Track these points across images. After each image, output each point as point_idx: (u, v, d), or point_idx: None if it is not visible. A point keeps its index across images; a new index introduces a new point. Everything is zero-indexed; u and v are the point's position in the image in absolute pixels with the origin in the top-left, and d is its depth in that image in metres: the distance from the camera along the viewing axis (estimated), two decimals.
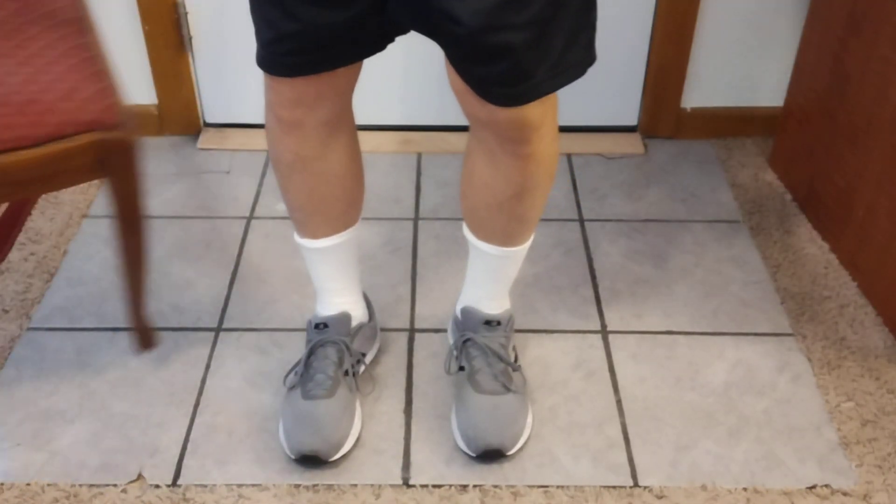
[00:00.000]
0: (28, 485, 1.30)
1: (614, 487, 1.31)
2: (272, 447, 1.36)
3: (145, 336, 1.47)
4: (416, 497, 1.29)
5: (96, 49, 1.24)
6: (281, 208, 1.81)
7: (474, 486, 1.30)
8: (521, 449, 1.34)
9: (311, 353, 1.36)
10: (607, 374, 1.48)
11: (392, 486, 1.31)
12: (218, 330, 1.55)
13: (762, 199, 1.85)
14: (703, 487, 1.31)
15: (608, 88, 1.98)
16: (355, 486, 1.30)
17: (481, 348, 1.37)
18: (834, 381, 1.47)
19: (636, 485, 1.31)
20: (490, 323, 1.38)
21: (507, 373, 1.37)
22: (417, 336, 1.54)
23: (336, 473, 1.32)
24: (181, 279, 1.65)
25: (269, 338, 1.54)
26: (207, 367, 1.48)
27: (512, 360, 1.40)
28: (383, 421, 1.40)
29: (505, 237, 1.29)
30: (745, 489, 1.31)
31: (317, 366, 1.35)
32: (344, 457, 1.33)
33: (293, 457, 1.31)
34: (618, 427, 1.39)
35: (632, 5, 1.87)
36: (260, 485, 1.30)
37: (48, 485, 1.30)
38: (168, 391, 1.44)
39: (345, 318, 1.38)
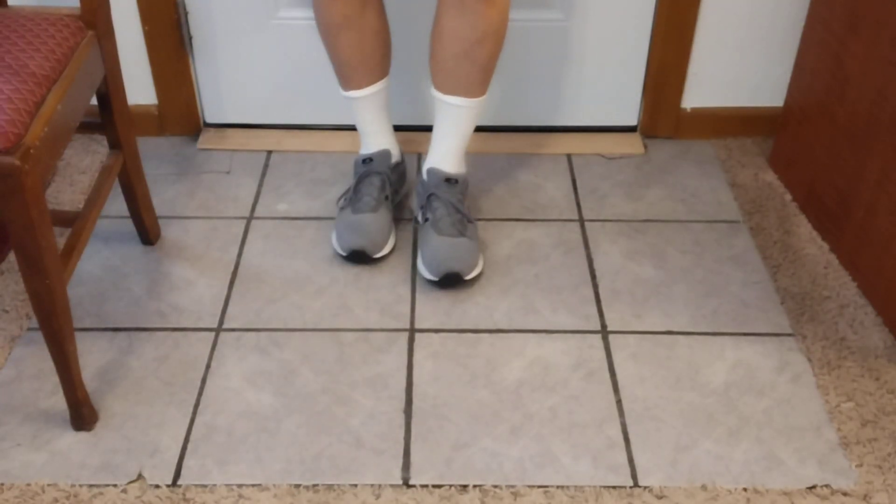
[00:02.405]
0: (28, 485, 1.30)
1: (614, 487, 1.31)
2: (272, 447, 1.36)
3: (80, 412, 1.37)
4: (416, 497, 1.29)
5: (39, 95, 1.24)
6: (281, 208, 1.81)
7: (474, 486, 1.30)
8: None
9: (359, 181, 1.68)
10: (607, 374, 1.48)
11: (392, 486, 1.31)
12: (218, 330, 1.55)
13: (762, 199, 1.85)
14: (703, 487, 1.31)
15: (608, 88, 1.98)
16: (355, 486, 1.30)
17: (442, 201, 1.65)
18: (834, 381, 1.47)
19: (636, 485, 1.31)
20: (449, 181, 1.67)
21: (463, 222, 1.65)
22: (417, 336, 1.54)
23: (336, 473, 1.32)
24: (181, 279, 1.65)
25: (269, 338, 1.54)
26: (207, 367, 1.48)
27: (467, 213, 1.67)
28: (383, 421, 1.40)
29: (467, 87, 1.59)
30: (745, 489, 1.31)
31: (364, 190, 1.67)
32: (348, 460, 1.33)
33: (344, 254, 1.65)
34: (618, 427, 1.39)
35: (632, 5, 1.87)
36: (260, 485, 1.31)
37: (48, 485, 1.30)
38: (168, 391, 1.44)
39: (386, 154, 1.71)
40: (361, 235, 1.63)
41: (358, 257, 1.64)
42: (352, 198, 1.68)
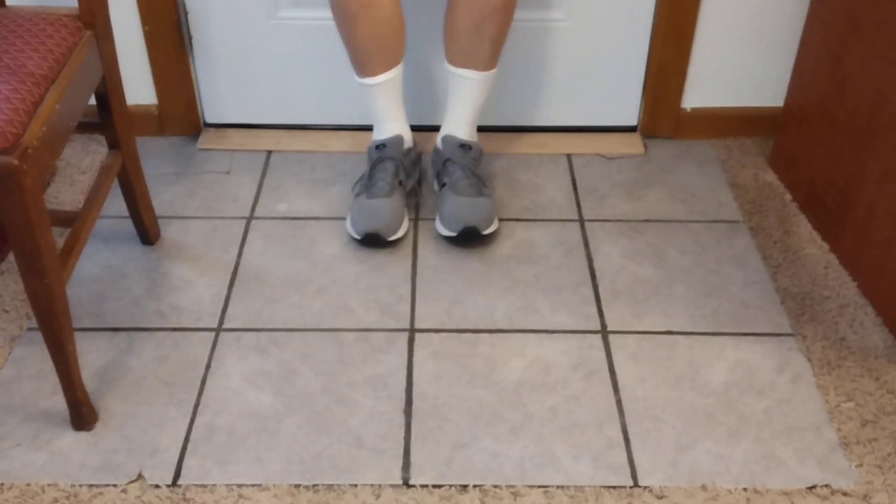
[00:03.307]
0: (28, 485, 1.30)
1: (614, 487, 1.31)
2: (272, 447, 1.36)
3: (80, 412, 1.38)
4: (416, 497, 1.29)
5: (37, 95, 1.24)
6: (281, 208, 1.81)
7: (474, 486, 1.30)
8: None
9: (373, 167, 1.73)
10: (607, 374, 1.48)
11: (392, 486, 1.31)
12: (218, 330, 1.55)
13: (762, 199, 1.85)
14: (703, 487, 1.31)
15: (608, 88, 1.98)
16: (355, 486, 1.30)
17: (458, 165, 1.72)
18: (834, 381, 1.47)
19: (636, 485, 1.31)
20: (463, 146, 1.74)
21: (479, 185, 1.71)
22: (417, 336, 1.54)
23: (336, 473, 1.32)
24: (181, 279, 1.65)
25: (269, 338, 1.54)
26: (207, 367, 1.48)
27: (483, 177, 1.73)
28: (383, 421, 1.40)
29: (477, 60, 1.67)
30: (745, 489, 1.31)
31: (378, 176, 1.71)
32: (348, 460, 1.33)
33: (359, 237, 1.69)
34: (618, 427, 1.39)
35: (632, 5, 1.87)
36: (260, 485, 1.31)
37: (48, 485, 1.30)
38: (168, 391, 1.44)
39: (398, 139, 1.74)
40: (376, 219, 1.66)
41: (372, 240, 1.68)
42: (366, 183, 1.72)
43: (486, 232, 1.68)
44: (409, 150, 1.77)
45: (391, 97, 1.73)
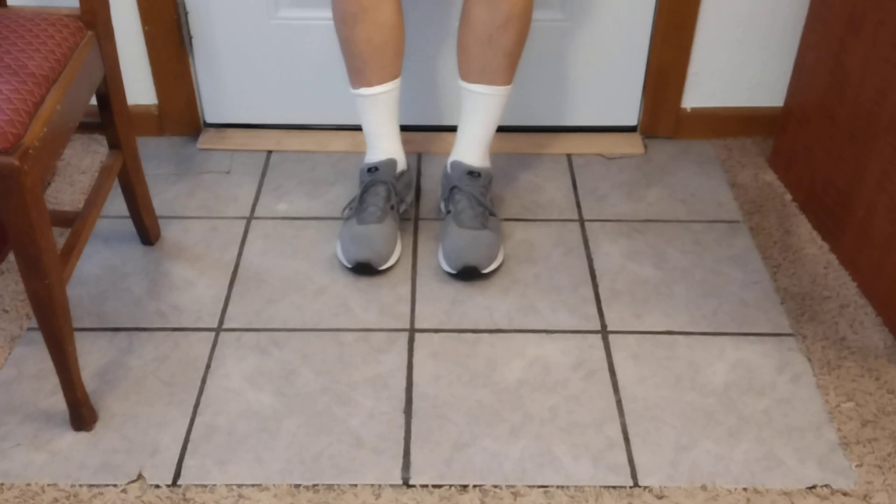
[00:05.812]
0: (28, 485, 1.30)
1: (614, 487, 1.31)
2: (272, 447, 1.36)
3: (80, 412, 1.37)
4: (416, 497, 1.29)
5: (38, 96, 1.24)
6: (281, 208, 1.81)
7: (474, 486, 1.30)
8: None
9: (364, 190, 1.68)
10: (607, 374, 1.48)
11: (392, 486, 1.31)
12: (218, 330, 1.55)
13: (762, 199, 1.85)
14: (703, 487, 1.31)
15: (608, 88, 1.98)
16: (355, 486, 1.30)
17: (465, 194, 1.66)
18: (834, 381, 1.47)
19: (636, 485, 1.31)
20: (472, 174, 1.68)
21: (485, 215, 1.66)
22: (417, 336, 1.54)
23: (336, 473, 1.32)
24: (181, 279, 1.65)
25: (269, 338, 1.54)
26: (207, 367, 1.48)
27: (489, 206, 1.67)
28: (383, 421, 1.40)
29: (491, 74, 1.60)
30: (745, 489, 1.31)
31: (369, 200, 1.66)
32: (348, 460, 1.33)
33: (349, 266, 1.63)
34: (618, 427, 1.39)
35: (632, 5, 1.87)
36: (260, 485, 1.31)
37: (48, 485, 1.30)
38: (168, 391, 1.44)
39: (392, 162, 1.69)
40: (367, 247, 1.61)
41: (363, 269, 1.63)
42: (357, 208, 1.67)
43: (487, 270, 1.62)
44: (403, 173, 1.72)
45: (386, 113, 1.67)
